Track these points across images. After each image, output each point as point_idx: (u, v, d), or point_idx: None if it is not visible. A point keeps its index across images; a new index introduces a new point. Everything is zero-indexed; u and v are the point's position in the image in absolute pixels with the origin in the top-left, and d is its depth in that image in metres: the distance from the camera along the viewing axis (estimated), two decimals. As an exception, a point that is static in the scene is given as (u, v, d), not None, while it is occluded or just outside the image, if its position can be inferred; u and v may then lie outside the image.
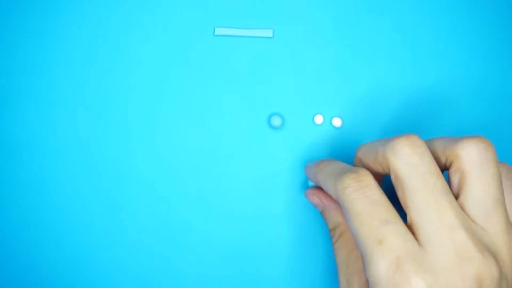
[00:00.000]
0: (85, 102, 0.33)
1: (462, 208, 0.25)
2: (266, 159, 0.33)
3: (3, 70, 0.33)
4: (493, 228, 0.24)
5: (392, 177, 0.25)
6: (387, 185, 0.32)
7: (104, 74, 0.33)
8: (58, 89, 0.33)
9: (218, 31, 0.34)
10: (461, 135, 0.33)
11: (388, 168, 0.26)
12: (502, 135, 0.33)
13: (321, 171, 0.28)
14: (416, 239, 0.24)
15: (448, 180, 0.26)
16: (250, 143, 0.33)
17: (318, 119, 0.33)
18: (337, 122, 0.33)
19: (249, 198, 0.33)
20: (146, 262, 0.33)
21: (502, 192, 0.25)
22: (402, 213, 0.26)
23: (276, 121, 0.31)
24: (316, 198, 0.30)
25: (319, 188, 0.31)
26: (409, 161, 0.25)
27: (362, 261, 0.27)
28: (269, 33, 0.34)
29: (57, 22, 0.34)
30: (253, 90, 0.33)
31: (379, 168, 0.27)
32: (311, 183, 0.31)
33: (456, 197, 0.25)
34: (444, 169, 0.27)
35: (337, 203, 0.30)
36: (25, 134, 0.33)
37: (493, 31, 0.34)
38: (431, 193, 0.24)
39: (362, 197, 0.25)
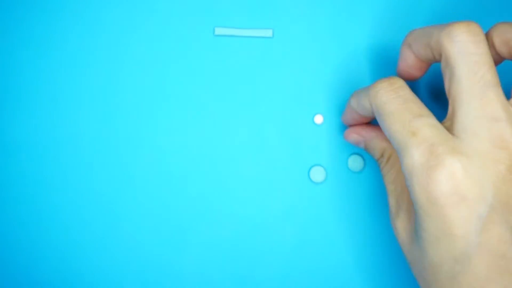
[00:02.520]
0: (85, 102, 0.33)
1: None
2: (265, 159, 0.33)
3: (2, 70, 0.34)
4: None
5: (442, 64, 0.25)
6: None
7: (104, 74, 0.34)
8: (57, 89, 0.33)
9: (218, 31, 0.34)
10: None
11: (440, 55, 0.25)
12: None
13: (355, 93, 0.29)
14: (452, 130, 0.24)
15: None
16: (249, 143, 0.33)
17: (318, 119, 0.33)
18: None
19: (249, 198, 0.33)
20: (146, 262, 0.32)
21: None
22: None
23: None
24: (355, 134, 0.30)
25: (355, 125, 0.31)
26: (463, 49, 0.24)
27: None
28: (269, 33, 0.34)
29: (57, 22, 0.34)
30: (253, 90, 0.33)
31: (428, 54, 0.26)
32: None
33: None
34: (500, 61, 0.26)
35: (378, 130, 0.30)
36: (25, 133, 0.33)
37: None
38: (478, 83, 0.24)
39: (394, 96, 0.25)
